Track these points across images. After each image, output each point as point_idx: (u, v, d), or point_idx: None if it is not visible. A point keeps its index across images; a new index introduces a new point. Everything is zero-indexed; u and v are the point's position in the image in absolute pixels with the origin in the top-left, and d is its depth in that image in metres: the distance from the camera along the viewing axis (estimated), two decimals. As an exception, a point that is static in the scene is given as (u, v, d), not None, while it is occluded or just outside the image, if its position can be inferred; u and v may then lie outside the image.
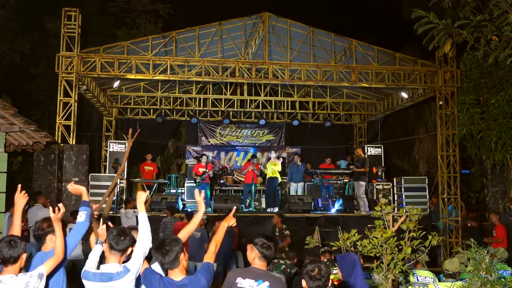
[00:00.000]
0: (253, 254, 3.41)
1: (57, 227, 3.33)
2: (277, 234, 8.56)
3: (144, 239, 3.33)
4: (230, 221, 3.62)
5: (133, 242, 3.37)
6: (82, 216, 3.53)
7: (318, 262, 3.08)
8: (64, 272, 3.52)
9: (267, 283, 3.26)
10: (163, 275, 3.23)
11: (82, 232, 3.52)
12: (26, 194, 3.57)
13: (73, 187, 3.76)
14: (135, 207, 9.51)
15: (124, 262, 3.29)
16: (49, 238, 3.53)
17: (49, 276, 3.23)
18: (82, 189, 3.75)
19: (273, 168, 11.52)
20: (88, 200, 3.69)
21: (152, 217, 9.93)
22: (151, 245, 3.33)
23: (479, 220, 10.87)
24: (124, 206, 9.58)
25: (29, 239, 5.73)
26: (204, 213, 3.77)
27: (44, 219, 3.65)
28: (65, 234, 3.41)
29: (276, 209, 11.25)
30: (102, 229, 3.63)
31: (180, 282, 3.09)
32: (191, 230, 3.62)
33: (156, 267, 3.29)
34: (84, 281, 3.23)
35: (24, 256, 3.10)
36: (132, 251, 3.33)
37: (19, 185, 3.59)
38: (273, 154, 12.06)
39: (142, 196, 3.56)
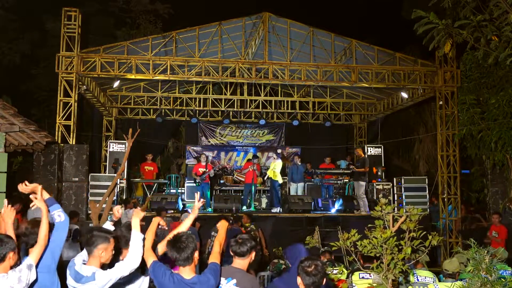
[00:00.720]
0: (231, 251, 3.48)
1: (43, 208, 3.23)
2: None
3: (131, 261, 3.16)
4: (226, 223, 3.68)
5: (103, 241, 3.18)
6: (61, 215, 3.37)
7: (314, 259, 3.10)
8: (57, 277, 3.43)
9: (234, 281, 3.30)
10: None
11: (65, 230, 3.39)
12: (14, 209, 3.46)
13: (24, 188, 3.42)
14: (135, 206, 9.55)
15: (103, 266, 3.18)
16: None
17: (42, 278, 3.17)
18: (35, 185, 3.43)
19: (272, 169, 11.49)
20: (51, 196, 3.48)
21: (152, 217, 9.94)
22: (136, 266, 3.19)
23: (476, 221, 10.83)
24: (124, 206, 9.57)
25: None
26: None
27: (32, 221, 3.54)
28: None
29: (273, 210, 11.25)
30: (118, 211, 3.64)
31: (190, 280, 3.07)
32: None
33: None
34: (67, 269, 3.19)
35: (11, 254, 3.02)
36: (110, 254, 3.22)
37: (5, 200, 3.49)
38: (273, 155, 12.01)
39: (139, 214, 3.36)
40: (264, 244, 8.78)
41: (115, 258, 3.35)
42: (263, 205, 12.60)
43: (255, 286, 3.40)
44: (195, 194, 3.73)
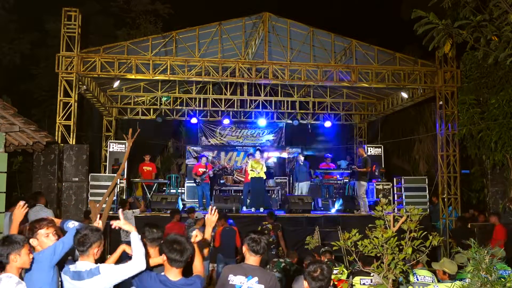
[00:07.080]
0: (244, 250, 3.47)
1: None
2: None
3: (136, 263, 3.09)
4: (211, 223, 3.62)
5: (97, 238, 3.15)
6: (75, 223, 3.61)
7: (320, 263, 3.10)
8: (56, 270, 3.39)
9: (256, 279, 3.31)
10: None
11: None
12: (26, 207, 3.64)
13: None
14: (131, 206, 9.55)
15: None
16: (40, 234, 3.45)
17: (37, 274, 3.17)
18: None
19: (256, 168, 10.93)
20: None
21: (153, 217, 9.95)
22: (143, 268, 3.13)
23: (471, 220, 10.82)
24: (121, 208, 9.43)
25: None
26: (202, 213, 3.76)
27: (30, 223, 3.60)
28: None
29: (262, 210, 10.87)
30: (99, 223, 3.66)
31: (178, 282, 3.09)
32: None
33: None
34: (62, 276, 3.17)
35: (13, 256, 3.00)
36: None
37: (22, 202, 3.63)
38: (257, 155, 11.48)
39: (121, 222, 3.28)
40: (283, 243, 8.73)
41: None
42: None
43: (273, 281, 3.39)
44: (210, 207, 3.69)
